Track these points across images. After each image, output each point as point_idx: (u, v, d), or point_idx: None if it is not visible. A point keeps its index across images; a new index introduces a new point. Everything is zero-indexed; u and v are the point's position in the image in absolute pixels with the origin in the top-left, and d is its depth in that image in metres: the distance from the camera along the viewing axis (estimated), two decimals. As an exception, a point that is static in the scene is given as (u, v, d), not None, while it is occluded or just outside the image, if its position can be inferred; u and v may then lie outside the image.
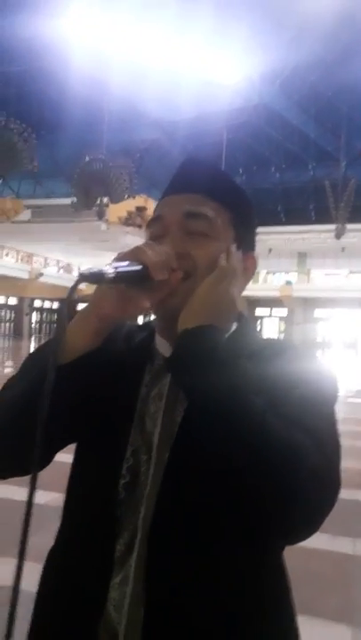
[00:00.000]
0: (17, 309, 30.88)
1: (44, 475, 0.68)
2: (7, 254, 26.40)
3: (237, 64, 23.66)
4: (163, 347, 0.76)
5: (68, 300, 0.67)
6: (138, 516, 0.70)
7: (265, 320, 32.76)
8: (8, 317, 31.54)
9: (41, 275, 26.80)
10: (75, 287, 0.66)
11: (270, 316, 32.55)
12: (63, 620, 0.72)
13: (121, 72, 19.64)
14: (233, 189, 0.81)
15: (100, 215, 17.84)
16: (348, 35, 22.14)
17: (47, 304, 35.18)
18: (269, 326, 32.08)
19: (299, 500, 0.59)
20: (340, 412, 0.72)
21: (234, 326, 0.78)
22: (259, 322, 32.40)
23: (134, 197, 18.14)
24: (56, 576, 0.76)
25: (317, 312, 31.24)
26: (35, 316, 33.47)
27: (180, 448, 0.69)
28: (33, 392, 0.66)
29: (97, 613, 0.69)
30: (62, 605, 0.73)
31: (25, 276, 25.83)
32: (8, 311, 31.33)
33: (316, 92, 28.78)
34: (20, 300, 29.87)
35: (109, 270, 0.64)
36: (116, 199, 16.19)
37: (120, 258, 0.67)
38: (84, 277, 0.64)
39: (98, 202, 17.09)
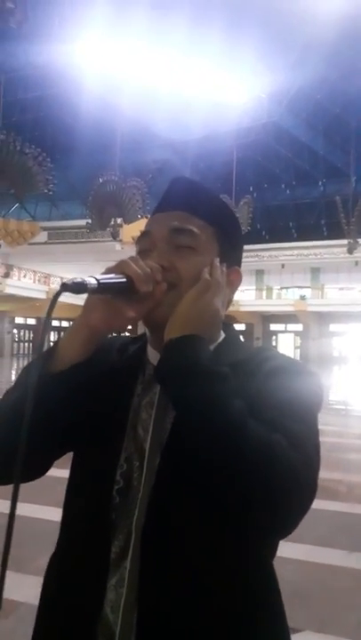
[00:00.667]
0: (35, 330, 31.45)
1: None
2: (25, 275, 26.91)
3: (245, 85, 24.08)
4: (153, 357, 0.77)
5: (51, 309, 0.68)
6: (131, 520, 0.71)
7: (280, 335, 32.64)
8: (27, 337, 32.19)
9: (57, 295, 27.12)
10: (57, 297, 0.68)
11: (285, 331, 32.37)
12: (64, 621, 0.74)
13: (132, 95, 20.09)
14: (217, 207, 0.83)
15: (115, 235, 18.15)
16: (351, 52, 22.41)
17: (65, 324, 35.62)
18: (285, 341, 31.80)
19: (277, 497, 0.61)
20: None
21: (222, 336, 0.81)
22: (274, 337, 32.35)
23: (147, 217, 18.38)
24: (56, 579, 0.77)
25: (333, 327, 31.06)
26: (53, 336, 33.97)
27: (169, 454, 0.70)
28: (21, 402, 0.67)
29: (95, 614, 0.70)
30: (62, 607, 0.75)
31: (42, 296, 26.19)
32: (27, 331, 31.98)
33: (324, 108, 29.08)
34: (38, 320, 30.31)
35: (92, 281, 0.65)
36: (129, 219, 16.45)
37: (107, 271, 0.70)
38: (66, 287, 0.65)
39: (112, 222, 17.38)
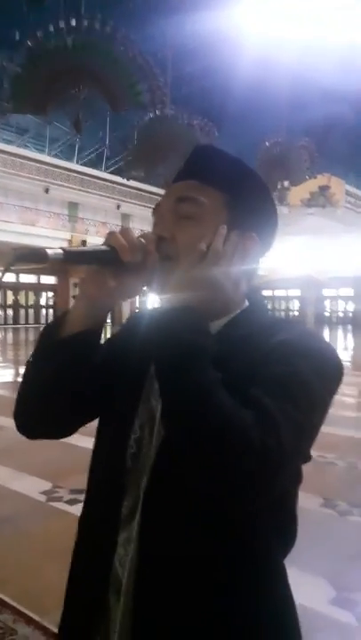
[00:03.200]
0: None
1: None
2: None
3: None
4: None
5: (3, 274, 0.70)
6: (140, 484, 0.75)
7: None
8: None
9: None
10: (7, 269, 0.69)
11: None
12: (83, 571, 0.81)
13: (299, 50, 19.12)
14: (232, 171, 0.80)
15: (281, 199, 17.74)
16: None
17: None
18: None
19: (228, 475, 0.60)
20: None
21: (246, 304, 0.80)
22: None
23: (316, 177, 17.62)
24: (79, 533, 0.85)
25: None
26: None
27: None
28: (33, 364, 0.78)
29: (107, 567, 0.76)
30: (82, 559, 0.83)
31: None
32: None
33: None
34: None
35: (57, 251, 0.65)
36: (296, 181, 15.93)
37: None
38: (21, 257, 0.65)
39: (278, 186, 17.00)
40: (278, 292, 37.80)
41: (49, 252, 0.65)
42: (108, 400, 0.82)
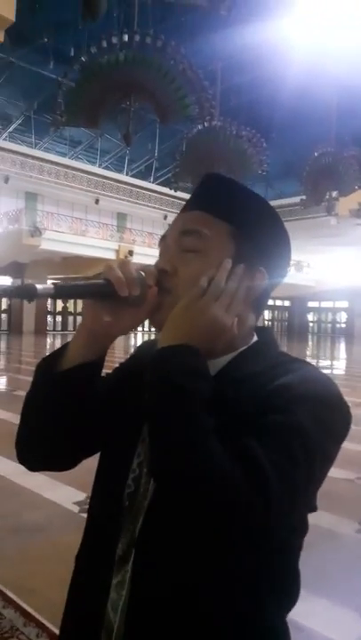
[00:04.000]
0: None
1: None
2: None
3: None
4: None
5: None
6: (136, 526, 0.71)
7: None
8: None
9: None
10: None
11: None
12: (77, 611, 0.78)
13: (347, 58, 18.86)
14: (238, 200, 0.76)
15: (330, 210, 17.47)
16: None
17: (279, 302, 35.95)
18: None
19: (216, 531, 0.57)
20: None
21: (254, 339, 0.77)
22: None
23: (366, 188, 17.26)
24: (76, 566, 0.81)
25: None
26: (267, 315, 34.73)
27: None
28: (31, 398, 0.75)
29: (99, 612, 0.72)
30: (77, 597, 0.79)
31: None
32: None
33: None
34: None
35: (47, 286, 0.63)
36: (345, 191, 15.66)
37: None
38: (6, 293, 0.64)
39: (327, 196, 16.77)
40: (325, 304, 37.14)
41: (39, 287, 0.63)
42: (110, 435, 0.79)
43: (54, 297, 0.65)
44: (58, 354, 0.76)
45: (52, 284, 0.65)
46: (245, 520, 0.55)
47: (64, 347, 0.76)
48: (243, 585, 0.68)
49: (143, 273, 0.72)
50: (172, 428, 0.60)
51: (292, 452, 0.59)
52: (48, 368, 0.75)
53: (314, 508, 0.71)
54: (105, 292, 0.70)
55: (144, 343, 0.91)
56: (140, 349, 0.88)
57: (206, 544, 0.59)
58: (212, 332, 0.68)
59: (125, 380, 0.81)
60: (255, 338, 0.78)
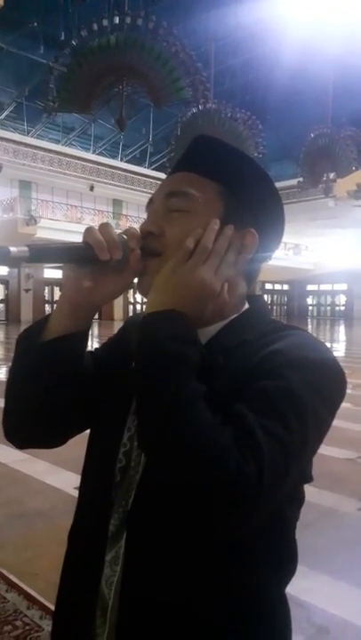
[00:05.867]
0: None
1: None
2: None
3: None
4: None
5: None
6: (128, 500, 0.70)
7: None
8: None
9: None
10: None
11: None
12: (71, 588, 0.77)
13: (343, 37, 18.60)
14: (227, 160, 0.73)
15: (327, 192, 17.38)
16: None
17: (278, 286, 35.90)
18: None
19: (199, 495, 0.54)
20: None
21: (245, 306, 0.74)
22: None
23: (363, 169, 17.16)
24: (68, 544, 0.80)
25: None
26: (266, 299, 34.81)
27: None
28: (14, 371, 0.72)
29: (93, 588, 0.71)
30: (70, 577, 0.77)
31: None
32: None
33: None
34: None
35: (22, 249, 0.59)
36: (342, 173, 15.56)
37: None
38: None
39: (324, 178, 16.66)
40: (324, 287, 37.09)
41: (12, 249, 0.58)
42: (99, 410, 0.77)
43: (29, 260, 0.60)
44: (40, 325, 0.72)
45: (26, 245, 0.60)
46: (238, 487, 0.53)
47: (46, 318, 0.73)
48: (238, 556, 0.66)
49: (125, 236, 0.69)
50: (161, 394, 0.58)
51: (284, 417, 0.57)
52: (30, 340, 0.71)
53: (309, 478, 0.70)
54: (85, 256, 0.66)
55: (132, 316, 0.88)
56: (127, 322, 0.86)
57: (199, 515, 0.56)
58: (200, 296, 0.64)
59: (114, 354, 0.79)
60: (247, 306, 0.75)
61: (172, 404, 0.57)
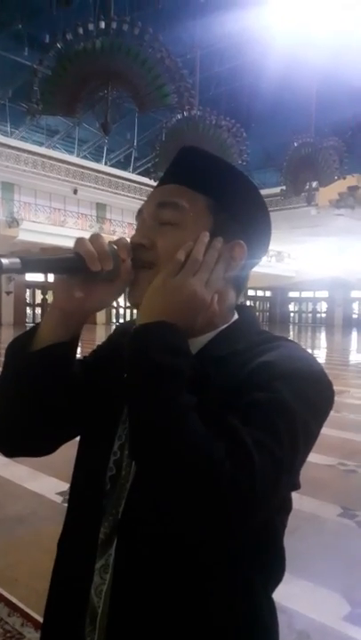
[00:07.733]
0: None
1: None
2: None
3: None
4: None
5: None
6: (119, 509, 0.70)
7: None
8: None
9: (252, 264, 27.53)
10: None
11: None
12: (61, 596, 0.76)
13: (327, 49, 18.90)
14: (215, 173, 0.74)
15: (310, 200, 17.55)
16: None
17: (260, 293, 36.09)
18: None
19: (199, 511, 0.55)
20: None
21: (235, 317, 0.75)
22: None
23: (345, 178, 17.40)
24: (58, 552, 0.80)
25: None
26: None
27: None
28: (3, 380, 0.71)
29: (82, 596, 0.71)
30: (60, 583, 0.77)
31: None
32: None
33: None
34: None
35: (13, 260, 0.59)
36: (325, 182, 15.73)
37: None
38: None
39: (307, 187, 16.83)
40: (306, 294, 37.41)
41: (3, 261, 0.59)
42: (90, 418, 0.77)
43: (21, 271, 0.61)
44: (30, 334, 0.73)
45: (18, 257, 0.60)
46: (230, 499, 0.54)
47: (36, 326, 0.74)
48: (229, 564, 0.67)
49: (115, 246, 0.70)
50: (153, 406, 0.58)
51: (275, 429, 0.58)
52: (21, 348, 0.72)
53: (297, 486, 0.71)
54: (76, 267, 0.66)
55: (122, 324, 0.89)
56: (117, 330, 0.86)
57: (191, 527, 0.57)
58: (191, 308, 0.65)
59: (104, 362, 0.79)
60: (236, 316, 0.76)
61: (163, 417, 0.57)
